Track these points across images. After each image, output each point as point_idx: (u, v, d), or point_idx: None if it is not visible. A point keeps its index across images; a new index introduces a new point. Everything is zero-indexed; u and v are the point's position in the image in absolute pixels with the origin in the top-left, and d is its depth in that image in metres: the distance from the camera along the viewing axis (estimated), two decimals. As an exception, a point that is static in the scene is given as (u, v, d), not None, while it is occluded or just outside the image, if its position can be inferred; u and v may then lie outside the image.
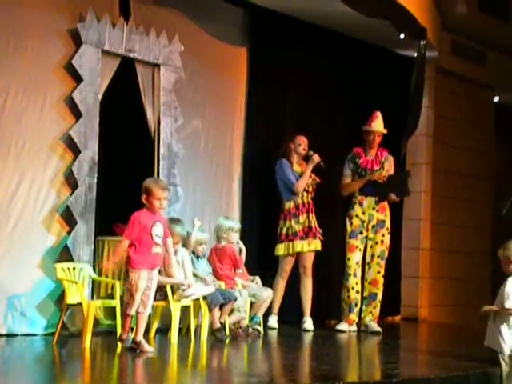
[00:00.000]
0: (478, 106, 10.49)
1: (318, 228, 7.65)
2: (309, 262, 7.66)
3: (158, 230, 5.80)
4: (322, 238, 7.65)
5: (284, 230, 7.59)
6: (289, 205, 7.62)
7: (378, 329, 7.68)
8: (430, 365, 6.06)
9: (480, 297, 10.30)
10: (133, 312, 5.76)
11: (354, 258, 7.66)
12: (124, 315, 5.83)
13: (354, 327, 7.68)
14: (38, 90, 6.51)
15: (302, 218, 7.58)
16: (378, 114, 7.79)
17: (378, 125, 7.76)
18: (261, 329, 7.08)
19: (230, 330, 6.77)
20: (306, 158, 7.68)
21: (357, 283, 7.67)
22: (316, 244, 7.64)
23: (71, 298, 6.15)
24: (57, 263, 6.35)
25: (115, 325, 6.21)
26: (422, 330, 9.05)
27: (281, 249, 7.58)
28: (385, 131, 7.79)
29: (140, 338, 5.77)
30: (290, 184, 7.59)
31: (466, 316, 9.85)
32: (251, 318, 7.10)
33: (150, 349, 5.77)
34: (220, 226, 7.12)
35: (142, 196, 5.82)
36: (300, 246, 7.57)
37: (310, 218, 7.62)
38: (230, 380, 5.18)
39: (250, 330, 6.93)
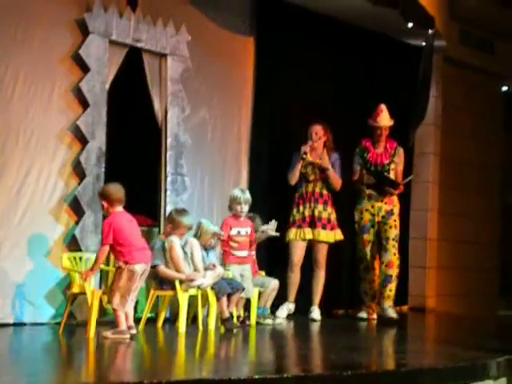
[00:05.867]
0: (486, 95, 10.43)
1: (328, 218, 7.49)
2: (319, 254, 7.52)
3: None
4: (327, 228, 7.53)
5: (291, 218, 7.59)
6: (296, 194, 7.61)
7: (395, 315, 7.73)
8: (437, 355, 6.05)
9: (488, 287, 10.31)
10: None
11: (369, 252, 7.79)
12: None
13: (374, 315, 7.81)
14: (45, 79, 6.52)
15: (302, 208, 7.51)
16: (383, 107, 7.76)
17: (383, 119, 7.75)
18: (271, 321, 7.09)
19: (237, 319, 6.78)
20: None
21: (375, 274, 7.81)
22: (323, 235, 7.48)
23: (77, 288, 6.16)
24: (64, 253, 6.37)
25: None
26: (429, 320, 9.05)
27: (287, 235, 7.53)
28: (391, 123, 7.77)
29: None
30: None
31: (474, 306, 9.85)
32: (260, 311, 7.09)
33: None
34: (229, 195, 7.06)
35: None
36: (293, 233, 7.46)
37: (313, 207, 7.48)
38: (238, 369, 5.18)
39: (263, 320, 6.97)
